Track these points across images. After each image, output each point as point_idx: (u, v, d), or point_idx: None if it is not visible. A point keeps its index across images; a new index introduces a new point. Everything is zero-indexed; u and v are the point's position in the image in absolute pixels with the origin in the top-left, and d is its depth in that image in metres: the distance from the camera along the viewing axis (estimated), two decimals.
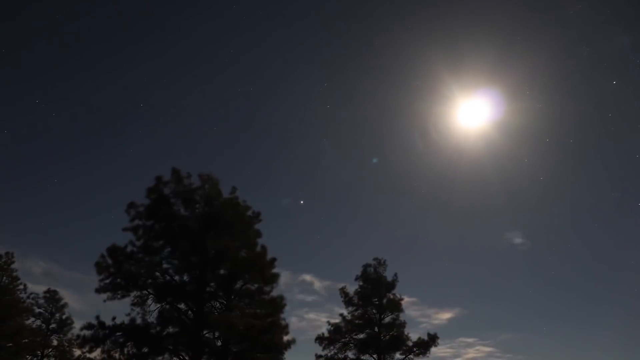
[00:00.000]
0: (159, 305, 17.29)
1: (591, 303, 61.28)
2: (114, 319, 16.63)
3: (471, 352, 52.52)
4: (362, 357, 27.08)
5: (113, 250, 17.11)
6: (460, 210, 66.17)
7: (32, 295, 35.12)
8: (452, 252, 69.66)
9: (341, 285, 28.89)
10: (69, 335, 36.66)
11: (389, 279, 28.16)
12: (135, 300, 17.39)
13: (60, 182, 65.66)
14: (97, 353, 16.47)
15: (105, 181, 69.27)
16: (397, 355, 26.89)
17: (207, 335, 17.22)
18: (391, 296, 27.67)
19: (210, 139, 70.03)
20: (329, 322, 27.73)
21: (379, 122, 61.68)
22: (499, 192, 58.49)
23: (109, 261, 16.98)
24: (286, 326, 17.67)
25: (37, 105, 60.53)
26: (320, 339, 27.42)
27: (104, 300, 16.96)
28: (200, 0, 55.53)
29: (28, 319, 34.57)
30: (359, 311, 27.88)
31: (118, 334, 16.43)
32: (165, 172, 18.30)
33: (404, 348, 26.72)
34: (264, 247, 18.26)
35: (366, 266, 28.55)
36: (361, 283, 28.33)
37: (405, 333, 27.05)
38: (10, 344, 29.92)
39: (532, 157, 53.35)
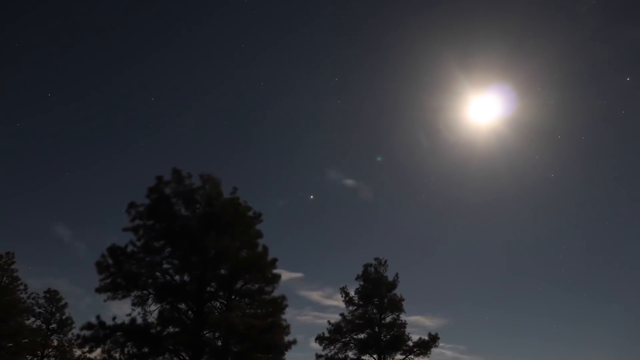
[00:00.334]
0: (159, 305, 17.28)
1: (601, 302, 60.82)
2: (114, 318, 16.63)
3: None
4: (362, 357, 27.09)
5: (113, 250, 17.10)
6: (470, 207, 65.73)
7: (32, 295, 35.17)
8: (460, 249, 69.40)
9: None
10: (69, 335, 36.69)
11: (390, 278, 28.17)
12: (136, 300, 17.37)
13: (60, 182, 65.68)
14: (97, 353, 16.48)
15: (105, 181, 69.26)
16: (398, 355, 26.91)
17: (207, 335, 17.21)
18: (392, 296, 27.66)
19: (212, 139, 70.06)
20: (329, 322, 27.79)
21: (389, 118, 61.29)
22: (510, 188, 58.21)
23: (110, 261, 16.97)
24: (287, 326, 17.67)
25: (36, 104, 60.48)
26: (320, 339, 27.44)
27: (105, 300, 16.98)
28: None
29: (28, 319, 34.60)
30: (360, 311, 27.87)
31: (118, 333, 16.40)
32: (166, 172, 18.33)
33: (405, 348, 26.71)
34: (265, 248, 18.24)
35: (367, 266, 28.57)
36: (362, 283, 28.34)
37: (406, 333, 27.07)
38: (11, 344, 29.92)
39: (543, 153, 53.22)
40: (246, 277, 17.95)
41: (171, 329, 16.92)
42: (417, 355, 26.62)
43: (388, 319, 27.54)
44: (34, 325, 35.47)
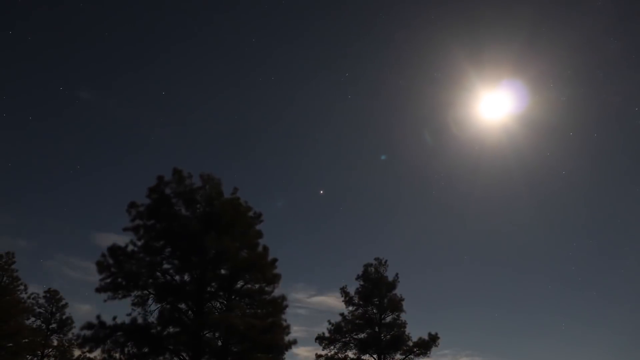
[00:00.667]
0: (159, 305, 17.29)
1: (612, 301, 60.31)
2: (114, 318, 16.62)
3: None
4: (362, 357, 27.11)
5: (114, 250, 17.12)
6: (480, 203, 65.39)
7: (32, 295, 35.22)
8: (469, 246, 69.15)
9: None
10: (69, 335, 36.73)
11: (390, 278, 28.19)
12: (136, 300, 17.38)
13: (59, 182, 65.71)
14: (97, 353, 16.48)
15: (105, 181, 69.28)
16: (398, 355, 26.92)
17: (207, 335, 17.22)
18: (392, 296, 27.67)
19: (213, 139, 70.02)
20: (329, 322, 27.80)
21: (400, 113, 61.00)
22: (520, 185, 57.84)
23: (110, 261, 16.98)
24: (287, 326, 17.71)
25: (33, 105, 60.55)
26: (320, 339, 27.46)
27: (105, 300, 16.98)
28: None
29: (28, 318, 34.63)
30: (360, 311, 27.90)
31: (118, 333, 16.41)
32: (167, 172, 18.35)
33: (405, 348, 26.73)
34: (265, 248, 18.27)
35: (367, 266, 28.58)
36: (362, 282, 28.35)
37: (406, 333, 27.08)
38: (11, 344, 29.94)
39: (554, 150, 52.71)
40: (246, 277, 17.97)
41: (171, 329, 16.92)
42: (417, 355, 26.63)
43: (388, 319, 27.56)
44: (34, 325, 35.51)
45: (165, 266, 17.69)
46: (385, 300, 27.57)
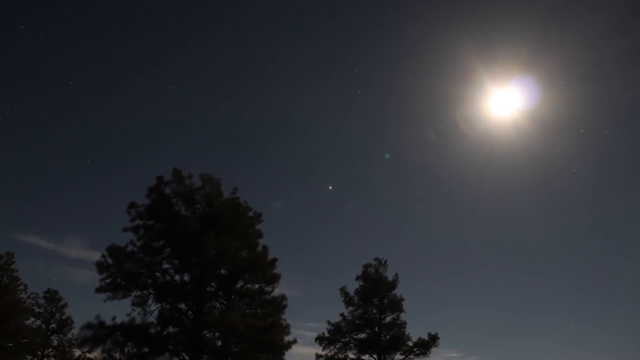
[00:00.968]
0: (159, 305, 17.27)
1: (621, 299, 59.89)
2: (114, 318, 16.62)
3: None
4: (362, 357, 27.10)
5: (113, 250, 17.11)
6: (490, 200, 65.13)
7: (32, 295, 35.24)
8: (479, 243, 68.99)
9: None
10: (69, 335, 36.73)
11: (390, 279, 28.17)
12: (136, 300, 17.38)
13: (60, 182, 65.69)
14: (97, 353, 16.48)
15: (105, 181, 69.27)
16: (398, 355, 26.92)
17: (207, 335, 17.21)
18: (392, 296, 27.66)
19: (215, 138, 69.96)
20: (329, 322, 27.78)
21: (411, 110, 60.64)
22: (530, 182, 57.58)
23: (110, 261, 16.98)
24: (287, 326, 17.68)
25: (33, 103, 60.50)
26: (320, 339, 27.45)
27: (105, 300, 16.97)
28: None
29: (28, 319, 34.66)
30: (359, 311, 27.88)
31: (118, 333, 16.40)
32: (167, 172, 18.34)
33: (405, 348, 26.72)
34: (265, 248, 18.26)
35: (367, 266, 28.58)
36: (361, 283, 28.34)
37: (406, 333, 27.07)
38: (11, 344, 29.94)
39: (565, 147, 52.46)
40: (246, 277, 17.96)
41: (171, 329, 16.91)
42: (417, 355, 26.62)
43: (388, 319, 27.55)
44: (34, 325, 35.54)
45: (165, 266, 17.70)
46: (385, 301, 27.56)
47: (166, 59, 63.51)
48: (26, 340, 31.83)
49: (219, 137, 70.71)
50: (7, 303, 29.74)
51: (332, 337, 27.39)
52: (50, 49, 58.68)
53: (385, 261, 28.73)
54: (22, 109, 59.96)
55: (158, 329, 16.77)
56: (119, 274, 16.92)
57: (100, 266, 16.87)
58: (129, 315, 16.94)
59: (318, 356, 27.23)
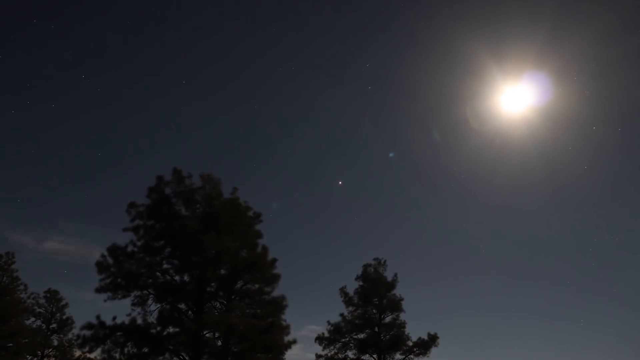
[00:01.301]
0: (159, 305, 17.29)
1: (633, 298, 59.07)
2: (114, 318, 16.65)
3: None
4: (362, 357, 27.11)
5: (114, 250, 17.13)
6: (500, 197, 64.73)
7: (32, 295, 35.26)
8: (488, 240, 68.66)
9: None
10: (69, 335, 36.75)
11: (389, 279, 28.19)
12: (136, 300, 17.39)
13: (60, 182, 65.75)
14: (97, 353, 16.51)
15: (105, 181, 69.30)
16: (397, 355, 26.93)
17: (207, 335, 17.23)
18: (391, 296, 27.68)
19: (217, 137, 69.91)
20: (329, 322, 27.80)
21: (421, 106, 60.19)
22: (541, 178, 57.08)
23: (110, 261, 17.00)
24: (287, 326, 17.70)
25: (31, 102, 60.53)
26: (320, 339, 27.47)
27: (105, 300, 16.99)
28: None
29: (28, 319, 34.68)
30: (359, 311, 27.90)
31: (118, 333, 16.43)
32: (167, 172, 18.37)
33: (404, 348, 26.73)
34: (265, 248, 18.28)
35: (366, 266, 28.60)
36: (361, 283, 28.36)
37: (406, 333, 27.09)
38: (11, 344, 29.95)
39: (577, 144, 51.68)
40: (246, 277, 17.98)
41: (171, 329, 16.94)
42: (417, 355, 26.64)
43: (388, 319, 27.57)
44: (34, 325, 35.56)
45: (165, 266, 17.72)
46: (385, 300, 27.58)
47: (166, 58, 63.49)
48: (26, 340, 31.84)
49: (219, 136, 70.70)
50: (7, 303, 29.76)
51: (332, 337, 27.41)
52: (50, 49, 58.70)
53: (385, 261, 28.80)
54: (22, 108, 60.01)
55: (158, 329, 16.79)
56: (119, 274, 16.94)
57: (100, 266, 16.89)
58: (129, 315, 17.00)
59: (318, 356, 27.26)
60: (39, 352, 35.06)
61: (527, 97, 38.37)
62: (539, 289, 64.77)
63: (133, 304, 17.33)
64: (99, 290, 16.94)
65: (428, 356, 26.55)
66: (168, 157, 62.60)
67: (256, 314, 17.73)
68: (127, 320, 16.78)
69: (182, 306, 17.51)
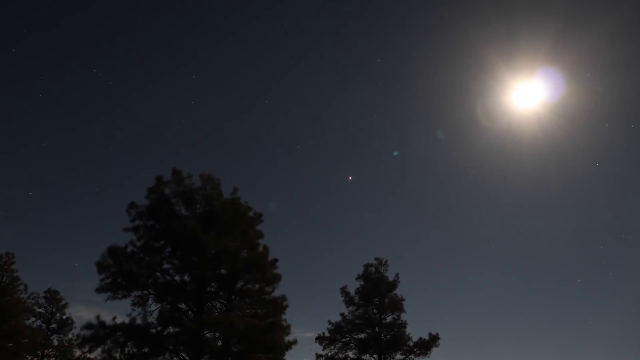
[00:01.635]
0: (159, 305, 17.30)
1: None
2: (114, 318, 16.67)
3: None
4: (362, 357, 27.08)
5: (114, 250, 17.12)
6: (510, 194, 64.13)
7: (32, 295, 35.24)
8: (498, 237, 68.28)
9: None
10: (70, 335, 36.74)
11: (390, 278, 28.17)
12: (136, 300, 17.39)
13: (60, 182, 65.74)
14: (97, 353, 16.50)
15: (105, 181, 69.29)
16: (398, 355, 26.89)
17: (207, 335, 17.21)
18: (392, 296, 27.66)
19: (218, 137, 69.79)
20: (329, 322, 27.78)
21: (432, 101, 59.48)
22: (552, 175, 56.52)
23: (110, 261, 16.99)
24: (287, 326, 17.69)
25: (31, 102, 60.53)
26: (320, 339, 27.45)
27: (105, 300, 16.99)
28: None
29: (28, 319, 34.67)
30: (360, 311, 27.88)
31: (118, 333, 16.42)
32: (166, 172, 18.34)
33: (405, 348, 26.71)
34: (265, 248, 18.28)
35: (367, 266, 28.57)
36: (362, 282, 28.33)
37: (407, 333, 27.06)
38: (11, 344, 29.94)
39: (589, 141, 50.53)
40: (246, 277, 17.97)
41: (171, 329, 16.93)
42: (418, 355, 26.62)
43: (388, 319, 27.54)
44: (34, 325, 35.55)
45: (165, 266, 17.71)
46: (386, 300, 27.56)
47: (167, 57, 63.42)
48: (26, 340, 31.83)
49: (219, 135, 70.61)
50: (7, 303, 29.74)
51: (332, 337, 27.39)
52: (50, 49, 58.66)
53: (386, 261, 28.77)
54: (22, 108, 59.98)
55: (158, 329, 16.78)
56: (119, 274, 16.93)
57: (100, 266, 16.88)
58: (129, 315, 16.99)
59: (318, 356, 27.24)
60: (39, 352, 35.05)
61: (539, 93, 37.87)
62: (548, 287, 64.41)
63: (133, 304, 17.34)
64: (99, 290, 16.93)
65: (429, 356, 26.56)
66: (168, 157, 62.54)
67: (256, 314, 17.72)
68: (127, 320, 16.81)
69: (182, 306, 17.51)
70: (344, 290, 28.40)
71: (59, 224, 65.33)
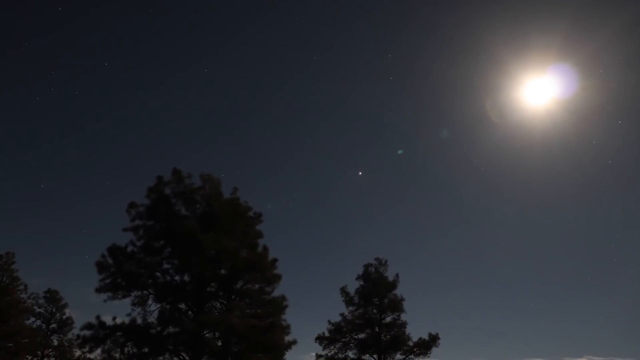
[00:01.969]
0: (159, 305, 17.28)
1: None
2: (114, 318, 16.66)
3: None
4: (362, 357, 27.07)
5: (113, 250, 17.11)
6: (521, 190, 63.97)
7: (32, 295, 35.24)
8: (508, 234, 68.20)
9: None
10: (69, 335, 36.72)
11: (390, 279, 28.16)
12: (136, 300, 17.38)
13: (60, 181, 65.72)
14: (97, 353, 16.49)
15: (105, 181, 69.26)
16: (398, 355, 26.88)
17: (207, 335, 17.20)
18: (392, 296, 27.65)
19: (220, 136, 69.71)
20: (329, 322, 27.76)
21: (445, 97, 59.47)
22: (563, 172, 56.32)
23: (110, 261, 16.98)
24: (287, 326, 17.66)
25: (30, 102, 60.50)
26: (320, 339, 27.44)
27: (105, 300, 16.97)
28: None
29: (28, 319, 34.65)
30: (360, 311, 27.86)
31: (118, 333, 16.41)
32: (166, 172, 18.33)
33: (405, 348, 26.70)
34: (265, 248, 18.25)
35: (367, 266, 28.56)
36: (362, 282, 28.33)
37: (406, 333, 27.05)
38: (11, 344, 29.94)
39: (601, 138, 50.50)
40: (246, 277, 17.95)
41: (171, 329, 16.91)
42: (418, 355, 26.61)
43: (388, 319, 27.52)
44: (34, 325, 35.53)
45: (165, 266, 17.69)
46: (386, 300, 27.54)
47: (166, 57, 63.43)
48: (26, 340, 31.82)
49: (220, 134, 70.59)
50: (7, 303, 29.73)
51: (332, 337, 27.38)
52: (47, 50, 58.67)
53: (386, 261, 28.76)
54: (22, 109, 59.98)
55: (158, 329, 16.76)
56: (119, 274, 16.92)
57: (100, 266, 16.88)
58: (129, 315, 16.98)
59: (318, 356, 27.24)
60: (39, 352, 35.05)
61: (551, 90, 37.46)
62: (558, 285, 64.33)
63: (133, 304, 17.32)
64: (99, 291, 16.92)
65: (429, 356, 26.56)
66: (168, 157, 62.51)
67: (256, 314, 17.71)
68: (127, 320, 16.79)
69: (182, 306, 17.50)
70: (343, 291, 28.40)
71: (59, 224, 65.31)
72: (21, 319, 31.81)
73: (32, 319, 35.65)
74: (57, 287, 37.80)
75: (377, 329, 27.24)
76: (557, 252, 66.54)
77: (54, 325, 36.78)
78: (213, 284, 17.96)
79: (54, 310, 36.99)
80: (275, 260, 18.21)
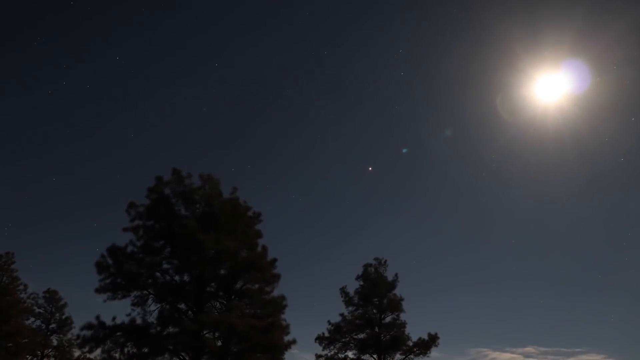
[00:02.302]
0: (159, 305, 17.29)
1: None
2: (114, 319, 16.65)
3: None
4: (362, 357, 27.10)
5: (113, 250, 17.11)
6: (533, 187, 63.43)
7: (32, 295, 35.29)
8: (520, 231, 67.89)
9: None
10: (69, 335, 36.76)
11: (390, 279, 28.18)
12: (136, 300, 17.38)
13: (60, 182, 65.72)
14: (97, 353, 16.50)
15: (105, 181, 69.28)
16: (398, 355, 26.91)
17: (207, 335, 17.21)
18: (392, 296, 27.67)
19: (220, 136, 69.65)
20: (329, 322, 27.79)
21: (455, 93, 58.91)
22: (575, 170, 55.81)
23: (110, 261, 16.99)
24: (287, 326, 17.69)
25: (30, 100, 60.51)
26: (320, 339, 27.46)
27: (104, 300, 16.99)
28: None
29: (28, 319, 34.67)
30: (359, 311, 27.89)
31: (118, 334, 16.41)
32: (166, 172, 18.34)
33: (405, 348, 26.72)
34: (264, 248, 18.28)
35: (367, 266, 28.59)
36: (361, 283, 28.35)
37: (406, 333, 27.08)
38: (11, 344, 29.96)
39: (614, 136, 50.02)
40: (246, 277, 17.97)
41: (171, 329, 16.92)
42: (417, 355, 26.62)
43: (388, 319, 27.55)
44: (34, 325, 35.56)
45: (165, 266, 17.71)
46: (385, 301, 27.57)
47: (166, 57, 63.38)
48: (26, 340, 31.85)
49: (220, 133, 70.55)
50: (7, 303, 29.75)
51: (332, 337, 27.40)
52: (47, 51, 58.66)
53: (386, 261, 28.79)
54: (22, 108, 59.98)
55: (158, 329, 16.77)
56: (119, 274, 16.92)
57: (100, 266, 16.89)
58: (129, 315, 16.99)
59: (318, 356, 27.26)
60: (39, 352, 35.07)
61: (563, 86, 37.00)
62: (568, 283, 64.06)
63: (133, 304, 17.33)
64: (98, 291, 16.93)
65: (428, 356, 26.57)
66: (168, 157, 62.50)
67: (256, 313, 17.72)
68: (127, 320, 16.80)
69: (182, 306, 17.51)
70: (343, 291, 28.43)
71: (59, 224, 65.31)
72: (21, 319, 31.84)
73: (32, 319, 35.71)
74: (56, 287, 37.87)
75: (376, 329, 27.26)
76: (567, 249, 66.30)
77: (53, 325, 36.81)
78: (213, 283, 17.98)
79: (53, 310, 37.01)
80: (274, 260, 18.25)
